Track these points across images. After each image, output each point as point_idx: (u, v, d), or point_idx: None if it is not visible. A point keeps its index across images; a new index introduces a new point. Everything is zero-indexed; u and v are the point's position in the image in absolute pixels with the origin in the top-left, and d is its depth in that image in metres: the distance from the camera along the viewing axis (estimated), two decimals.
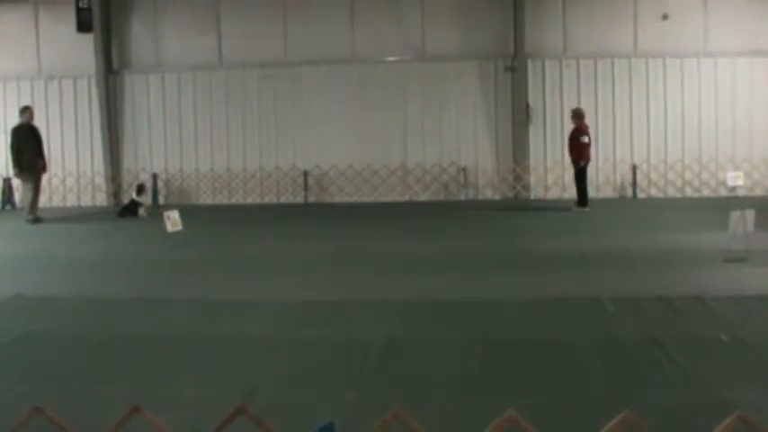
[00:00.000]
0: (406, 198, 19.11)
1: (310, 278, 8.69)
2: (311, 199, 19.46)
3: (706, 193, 18.63)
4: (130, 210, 16.39)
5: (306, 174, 19.40)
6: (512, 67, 18.95)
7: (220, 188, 19.32)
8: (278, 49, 19.49)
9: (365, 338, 5.92)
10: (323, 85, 19.35)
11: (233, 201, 19.63)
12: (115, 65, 19.98)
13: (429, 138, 19.20)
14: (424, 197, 19.08)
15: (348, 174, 19.29)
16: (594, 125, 17.69)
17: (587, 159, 15.71)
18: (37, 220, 15.38)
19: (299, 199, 19.49)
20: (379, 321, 6.57)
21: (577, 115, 15.92)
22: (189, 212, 13.94)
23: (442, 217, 15.64)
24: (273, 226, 14.85)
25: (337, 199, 19.32)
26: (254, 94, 19.62)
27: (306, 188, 19.45)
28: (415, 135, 19.23)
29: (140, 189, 16.90)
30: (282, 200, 19.56)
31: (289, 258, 10.29)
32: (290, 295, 7.75)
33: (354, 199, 19.14)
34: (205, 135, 19.80)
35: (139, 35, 19.99)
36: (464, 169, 19.03)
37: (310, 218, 16.31)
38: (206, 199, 19.75)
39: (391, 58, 19.27)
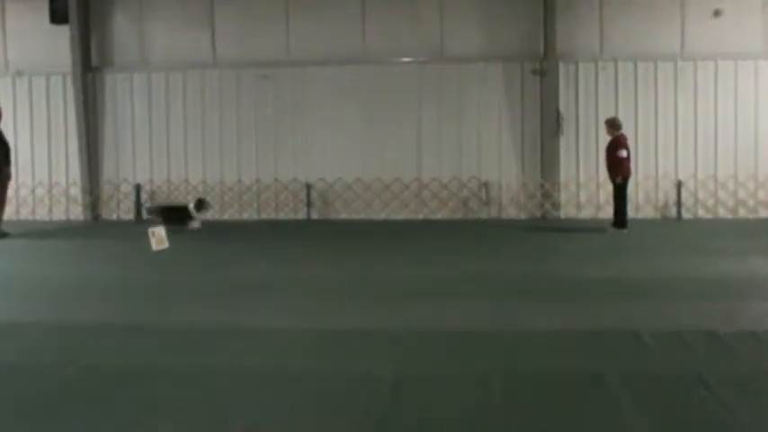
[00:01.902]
0: (421, 216, 19.17)
1: (312, 304, 8.63)
2: (314, 215, 19.50)
3: (764, 214, 18.63)
4: (178, 218, 16.68)
5: (308, 187, 19.42)
6: (541, 71, 19.00)
7: (213, 201, 19.33)
8: (279, 47, 19.54)
9: (374, 373, 5.89)
10: (328, 88, 19.41)
11: (226, 216, 19.67)
12: (94, 61, 20.05)
13: (447, 149, 19.26)
14: (440, 215, 19.15)
15: (356, 188, 19.32)
16: (634, 136, 17.73)
17: (626, 175, 15.63)
18: (2, 235, 15.43)
19: (301, 215, 19.52)
20: (390, 354, 6.52)
21: (614, 126, 15.84)
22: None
23: (461, 237, 15.64)
24: (271, 245, 14.80)
25: (343, 216, 19.37)
26: (252, 96, 19.67)
27: (308, 203, 19.46)
28: (431, 145, 19.29)
29: (201, 204, 17.47)
30: (282, 216, 19.59)
31: (287, 282, 10.22)
32: (288, 323, 7.69)
33: (362, 216, 19.21)
34: (196, 142, 19.87)
35: (123, 28, 20.05)
36: (486, 184, 19.03)
37: (313, 236, 16.30)
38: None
39: (406, 59, 19.31)
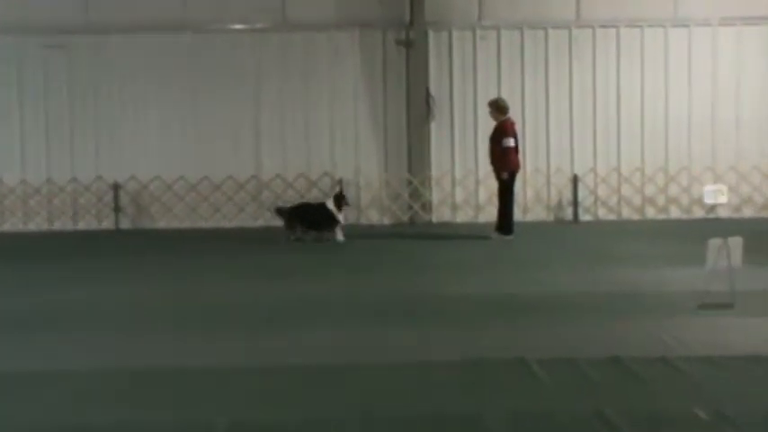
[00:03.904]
0: (261, 222, 19.04)
1: (116, 338, 8.45)
2: (125, 224, 19.16)
3: (675, 214, 19.23)
4: (321, 221, 15.94)
5: (116, 188, 19.03)
6: (406, 41, 19.14)
7: None
8: (74, 10, 19.00)
9: (200, 423, 5.79)
10: (139, 63, 19.13)
11: (6, 227, 19.05)
12: None
13: (292, 139, 19.23)
14: None
15: (177, 188, 19.06)
16: (521, 121, 18.10)
17: (514, 169, 15.72)
18: None
19: (108, 224, 19.18)
20: (218, 398, 6.38)
21: (499, 108, 15.87)
22: None
23: (311, 248, 15.60)
24: (65, 264, 14.39)
25: (162, 224, 19.14)
26: (38, 71, 19.13)
27: (117, 209, 19.08)
28: (271, 135, 19.24)
29: (341, 199, 16.16)
30: (82, 225, 19.17)
31: (85, 309, 9.99)
32: (79, 364, 7.44)
33: (187, 224, 19.11)
34: None
35: None
36: (341, 182, 18.93)
37: (121, 251, 16.01)
38: None
39: (238, 26, 19.16)
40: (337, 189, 17.23)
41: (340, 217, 15.99)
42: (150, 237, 17.91)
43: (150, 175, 18.99)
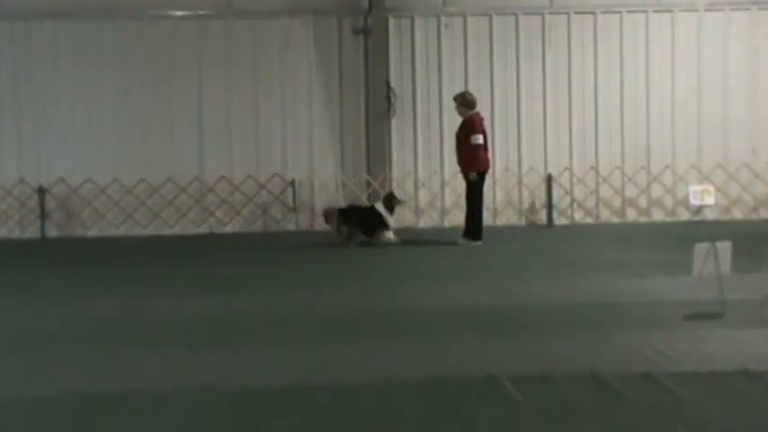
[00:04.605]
0: (205, 229, 19.19)
1: (39, 360, 8.30)
2: (52, 232, 19.07)
3: (658, 217, 19.38)
4: (370, 224, 16.05)
5: (42, 192, 18.90)
6: (364, 29, 19.14)
7: None
8: None
9: None
10: (66, 52, 19.01)
11: None
12: None
13: (239, 137, 19.23)
14: (232, 227, 19.23)
15: (111, 192, 18.98)
16: (490, 116, 18.25)
17: (483, 168, 15.73)
18: None
19: (32, 232, 19.04)
20: (150, 423, 6.31)
21: (465, 103, 15.83)
22: None
23: (259, 257, 15.61)
24: None
25: (94, 232, 19.05)
26: None
27: (42, 215, 18.94)
28: (216, 132, 19.21)
29: (391, 200, 16.26)
30: (3, 233, 19.02)
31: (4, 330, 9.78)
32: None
33: (122, 231, 19.05)
34: None
35: None
36: (293, 184, 19.01)
37: (48, 262, 15.82)
38: None
39: (179, 13, 19.09)
40: (388, 190, 17.43)
41: (390, 220, 16.15)
42: (80, 246, 17.72)
43: (80, 178, 18.82)
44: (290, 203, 19.13)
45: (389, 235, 16.19)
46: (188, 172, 19.01)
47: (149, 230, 18.93)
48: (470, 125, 15.63)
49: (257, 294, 11.59)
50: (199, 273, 13.78)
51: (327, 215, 16.53)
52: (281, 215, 19.17)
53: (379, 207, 16.13)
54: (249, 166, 19.06)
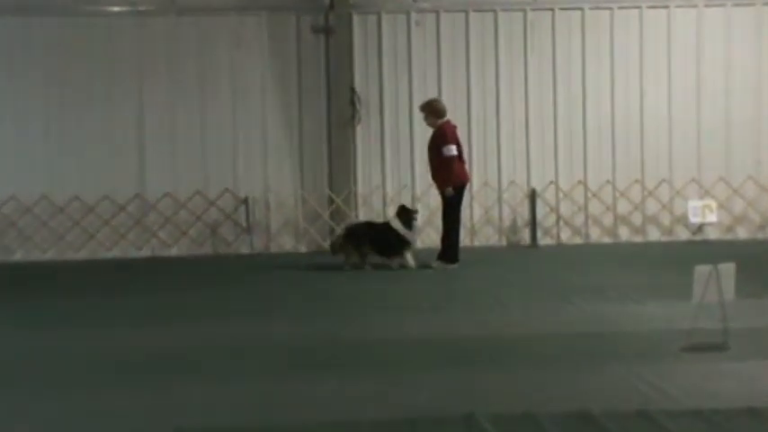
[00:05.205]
0: (146, 252, 18.99)
1: None
2: None
3: (654, 236, 19.36)
4: (386, 244, 15.79)
5: None
6: (326, 28, 19.11)
7: None
8: None
9: None
10: None
11: None
12: None
13: (184, 148, 19.09)
14: (177, 250, 19.06)
15: (39, 211, 18.77)
16: (466, 126, 18.29)
17: (461, 182, 15.80)
18: None
19: None
20: None
21: (434, 111, 15.92)
22: None
23: (208, 283, 15.53)
24: None
25: (19, 256, 18.83)
26: None
27: None
28: (159, 143, 19.04)
29: (407, 214, 16.07)
30: None
31: None
32: None
33: (51, 255, 18.79)
34: None
35: None
36: (246, 202, 18.95)
37: None
38: None
39: (116, 9, 18.95)
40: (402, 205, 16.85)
41: (411, 237, 15.96)
42: (3, 271, 17.46)
43: (3, 195, 18.59)
44: (243, 223, 19.02)
45: (408, 258, 15.90)
46: (127, 188, 18.79)
47: (83, 254, 18.68)
48: (442, 135, 15.66)
49: (204, 325, 11.53)
50: (137, 301, 13.67)
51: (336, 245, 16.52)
52: (233, 236, 19.04)
53: (395, 224, 15.93)
54: (196, 182, 18.89)
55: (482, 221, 19.20)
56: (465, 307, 12.37)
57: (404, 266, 15.81)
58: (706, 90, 19.22)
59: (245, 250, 19.00)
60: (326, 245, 18.66)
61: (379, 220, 17.48)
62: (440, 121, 15.78)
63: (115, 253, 18.79)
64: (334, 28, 18.94)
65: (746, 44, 19.26)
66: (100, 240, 18.82)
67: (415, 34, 19.14)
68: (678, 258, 15.28)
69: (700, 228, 18.69)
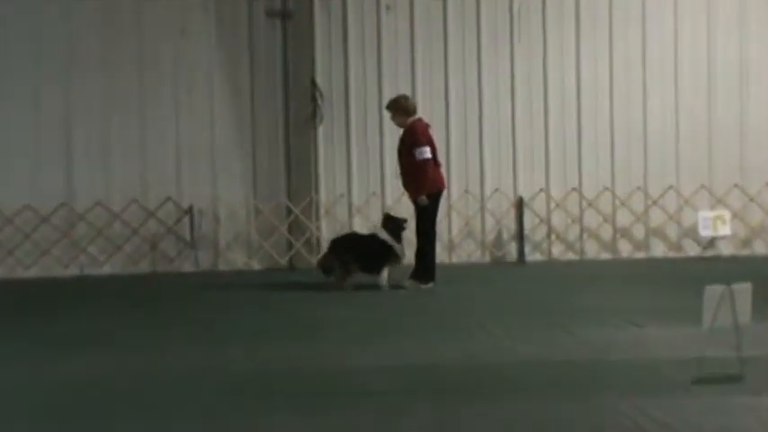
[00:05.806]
0: (74, 270, 18.80)
1: None
2: None
3: (659, 251, 19.33)
4: (373, 258, 15.66)
5: None
6: (283, 13, 19.07)
7: None
8: None
9: None
10: None
11: None
12: None
13: (119, 151, 18.98)
14: (110, 268, 18.92)
15: None
16: (444, 127, 18.14)
17: (437, 189, 15.65)
18: None
19: None
20: None
21: (402, 109, 15.77)
22: None
23: (145, 306, 15.41)
24: None
25: None
26: None
27: None
28: (89, 147, 18.93)
29: (393, 222, 15.96)
30: None
31: None
32: None
33: None
34: None
35: None
36: (191, 212, 18.80)
37: None
38: None
39: None
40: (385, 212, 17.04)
41: (401, 250, 15.80)
42: None
43: None
44: (187, 236, 18.94)
45: (384, 275, 15.81)
46: (51, 196, 18.60)
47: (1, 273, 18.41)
48: (412, 135, 15.50)
49: (140, 355, 11.34)
50: (61, 329, 13.35)
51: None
52: (176, 252, 19.00)
53: (384, 235, 15.75)
54: (132, 189, 18.74)
55: (462, 234, 19.28)
56: (443, 332, 12.27)
57: (400, 286, 15.70)
58: (718, 85, 19.29)
59: (189, 268, 18.97)
60: (283, 261, 18.96)
61: (357, 231, 17.59)
62: (410, 120, 15.63)
63: (36, 271, 18.69)
64: (292, 12, 19.01)
65: (764, 30, 19.25)
66: (18, 257, 18.70)
67: (386, 20, 19.04)
68: (686, 277, 15.34)
69: (711, 242, 18.65)
